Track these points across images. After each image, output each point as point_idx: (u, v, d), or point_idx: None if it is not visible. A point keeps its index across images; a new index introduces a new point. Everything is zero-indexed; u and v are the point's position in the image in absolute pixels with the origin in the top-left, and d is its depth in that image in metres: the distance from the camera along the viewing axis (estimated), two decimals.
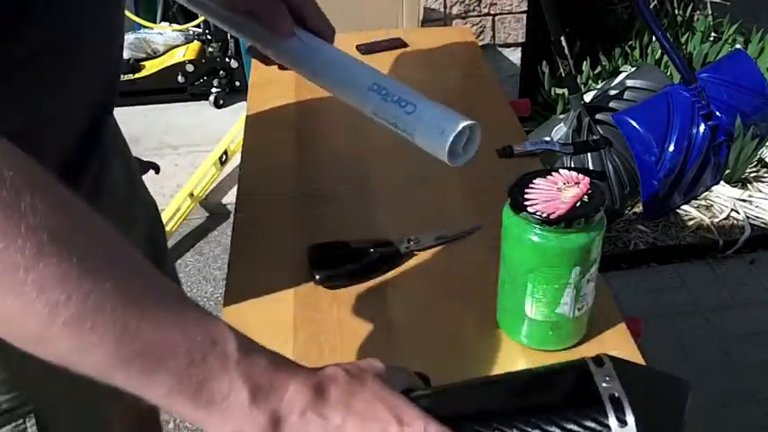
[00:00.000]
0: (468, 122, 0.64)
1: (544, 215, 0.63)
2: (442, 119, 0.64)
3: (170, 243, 2.13)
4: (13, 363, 0.67)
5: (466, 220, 0.89)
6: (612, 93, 2.19)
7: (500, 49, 2.44)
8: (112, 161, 0.80)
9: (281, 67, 0.75)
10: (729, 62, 1.98)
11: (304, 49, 0.71)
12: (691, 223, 2.22)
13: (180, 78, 2.66)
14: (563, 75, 2.03)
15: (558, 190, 0.65)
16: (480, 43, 2.30)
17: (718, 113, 1.88)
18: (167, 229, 2.15)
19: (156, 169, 1.02)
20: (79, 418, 0.77)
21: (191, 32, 2.78)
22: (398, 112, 0.65)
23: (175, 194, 2.30)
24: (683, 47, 2.61)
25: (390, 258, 0.83)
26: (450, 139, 0.62)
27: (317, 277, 0.80)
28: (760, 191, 2.32)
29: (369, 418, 0.47)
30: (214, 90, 2.69)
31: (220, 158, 2.40)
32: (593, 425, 0.49)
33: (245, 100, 1.22)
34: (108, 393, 0.77)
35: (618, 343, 0.72)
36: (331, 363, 0.70)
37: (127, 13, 2.50)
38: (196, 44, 2.73)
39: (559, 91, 2.45)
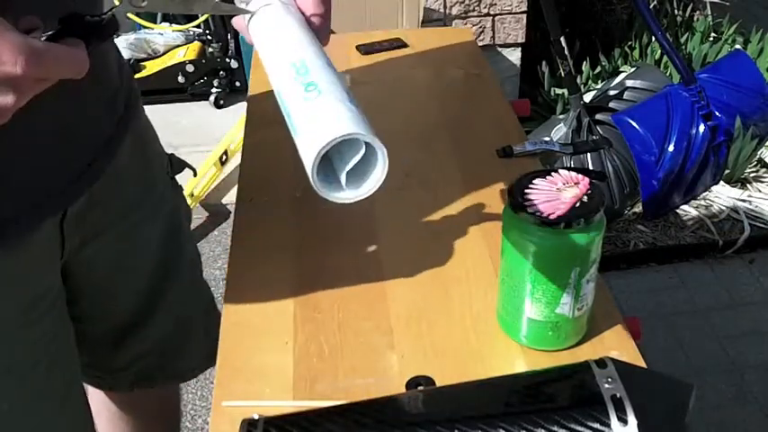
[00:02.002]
0: (355, 133, 0.45)
1: (544, 215, 0.63)
2: (331, 118, 0.46)
3: None
4: None
5: (465, 220, 0.89)
6: (612, 93, 2.19)
7: (500, 49, 2.45)
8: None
9: None
10: (729, 62, 1.98)
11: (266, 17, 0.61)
12: (690, 223, 2.22)
13: (180, 78, 2.66)
14: (563, 75, 2.03)
15: (558, 190, 0.65)
16: (480, 43, 2.30)
17: (717, 114, 1.88)
18: None
19: (194, 171, 1.02)
20: (15, 398, 0.76)
21: (191, 32, 2.78)
22: (297, 97, 0.51)
23: None
24: (683, 47, 2.61)
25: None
26: (320, 147, 0.46)
27: None
28: (760, 191, 2.32)
29: None
30: (214, 90, 2.69)
31: (220, 158, 2.40)
32: (595, 425, 0.50)
33: (245, 100, 1.22)
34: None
35: (617, 343, 0.72)
36: (331, 363, 0.71)
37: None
38: (196, 44, 2.73)
39: (559, 91, 2.45)
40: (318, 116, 0.48)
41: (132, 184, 0.85)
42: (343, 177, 0.49)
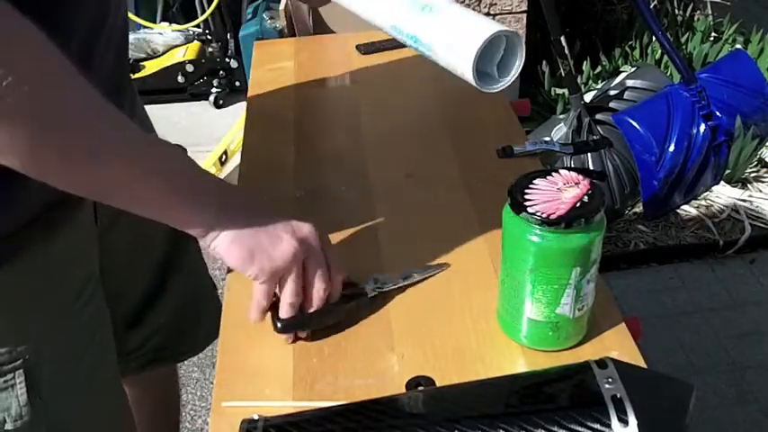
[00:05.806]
0: (500, 30, 0.53)
1: (544, 215, 0.63)
2: (470, 26, 0.55)
3: None
4: (13, 319, 0.70)
5: (465, 220, 0.89)
6: (612, 93, 2.19)
7: None
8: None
9: None
10: (729, 62, 1.99)
11: None
12: (691, 223, 2.22)
13: (180, 78, 2.66)
14: (563, 75, 2.03)
15: (558, 190, 0.65)
16: None
17: (718, 113, 1.88)
18: None
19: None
20: (73, 382, 0.78)
21: (191, 32, 2.78)
22: (421, 19, 0.59)
23: None
24: (683, 47, 2.61)
25: (355, 300, 0.75)
26: (477, 49, 0.54)
27: (278, 326, 0.72)
28: (760, 191, 2.32)
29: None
30: (214, 90, 2.69)
31: (220, 158, 2.40)
32: (595, 425, 0.50)
33: (245, 100, 1.22)
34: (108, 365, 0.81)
35: (618, 343, 0.71)
36: (331, 363, 0.71)
37: None
38: (196, 44, 2.73)
39: (559, 91, 2.45)
40: (460, 27, 0.57)
41: None
42: (494, 69, 0.59)
